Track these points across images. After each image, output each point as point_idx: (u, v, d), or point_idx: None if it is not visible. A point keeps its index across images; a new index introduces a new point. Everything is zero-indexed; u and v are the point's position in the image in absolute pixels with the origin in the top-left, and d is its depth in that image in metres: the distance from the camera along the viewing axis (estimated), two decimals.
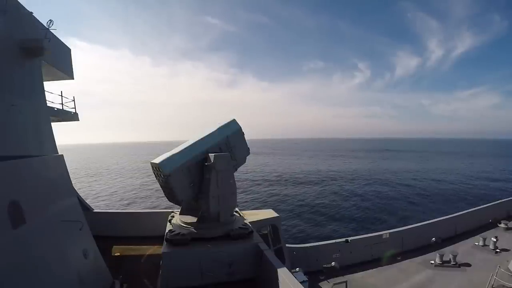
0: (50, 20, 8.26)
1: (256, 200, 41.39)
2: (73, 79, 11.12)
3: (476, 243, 15.17)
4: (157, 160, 8.85)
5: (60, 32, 9.64)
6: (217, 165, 9.02)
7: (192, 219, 9.53)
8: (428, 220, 17.05)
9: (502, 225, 17.30)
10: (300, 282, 6.55)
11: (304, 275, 11.09)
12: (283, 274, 6.80)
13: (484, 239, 15.03)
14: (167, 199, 9.66)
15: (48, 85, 9.29)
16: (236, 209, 11.04)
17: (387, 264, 13.43)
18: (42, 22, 8.25)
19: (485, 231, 16.67)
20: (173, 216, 10.44)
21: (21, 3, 7.46)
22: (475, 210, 18.70)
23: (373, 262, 13.57)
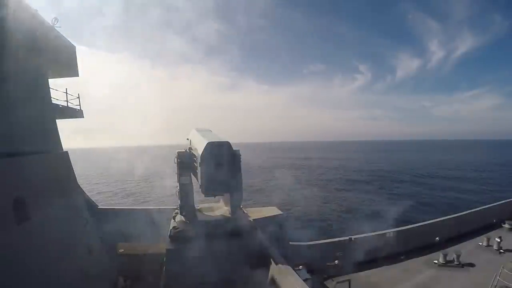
0: (55, 17, 8.29)
1: (260, 197, 41.39)
2: (78, 76, 11.15)
3: (480, 243, 15.08)
4: (217, 139, 8.40)
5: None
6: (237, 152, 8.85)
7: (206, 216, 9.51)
8: (432, 219, 16.96)
9: (506, 225, 17.16)
10: (303, 280, 6.55)
11: (308, 273, 11.07)
12: (287, 272, 6.80)
13: (488, 239, 14.94)
14: (204, 192, 8.16)
15: (53, 82, 9.33)
16: (240, 206, 11.03)
17: (391, 263, 13.38)
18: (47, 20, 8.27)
19: (489, 231, 16.52)
20: (177, 213, 10.45)
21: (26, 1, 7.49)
22: (479, 210, 18.53)
23: (377, 261, 13.53)
